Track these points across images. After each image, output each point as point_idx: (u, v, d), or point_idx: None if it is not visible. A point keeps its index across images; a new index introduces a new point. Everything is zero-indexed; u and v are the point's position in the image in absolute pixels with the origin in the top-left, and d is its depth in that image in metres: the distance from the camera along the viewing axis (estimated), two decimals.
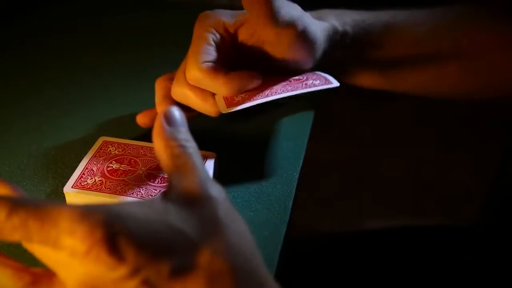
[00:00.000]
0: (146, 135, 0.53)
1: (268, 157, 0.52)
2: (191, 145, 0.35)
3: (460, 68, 0.56)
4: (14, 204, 0.29)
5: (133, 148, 0.48)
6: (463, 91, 0.59)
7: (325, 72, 0.51)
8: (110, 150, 0.48)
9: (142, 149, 0.48)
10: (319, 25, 0.49)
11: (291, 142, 0.53)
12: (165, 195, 0.33)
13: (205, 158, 0.47)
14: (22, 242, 0.30)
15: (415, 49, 0.55)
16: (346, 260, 0.68)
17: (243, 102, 0.46)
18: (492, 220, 0.70)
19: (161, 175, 0.45)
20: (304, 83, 0.49)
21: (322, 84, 0.48)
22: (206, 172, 0.34)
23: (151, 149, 0.48)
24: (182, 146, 0.34)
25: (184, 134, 0.35)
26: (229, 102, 0.46)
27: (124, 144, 0.48)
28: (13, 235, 0.29)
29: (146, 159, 0.47)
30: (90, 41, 0.72)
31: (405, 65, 0.56)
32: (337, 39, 0.51)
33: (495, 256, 0.65)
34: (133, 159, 0.47)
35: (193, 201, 0.32)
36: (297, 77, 0.49)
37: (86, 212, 0.29)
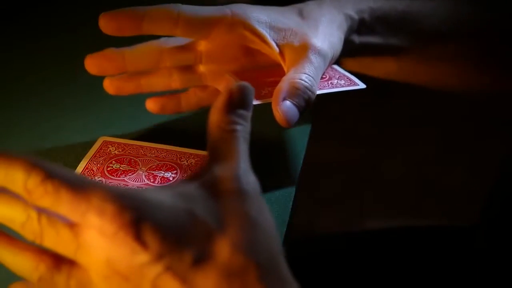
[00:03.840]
0: (146, 135, 0.53)
1: (268, 157, 0.52)
2: (244, 130, 0.34)
3: (476, 59, 0.56)
4: (51, 171, 0.30)
5: (133, 148, 0.48)
6: (478, 85, 0.58)
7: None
8: (110, 150, 0.48)
9: (142, 149, 0.48)
10: (330, 34, 0.48)
11: (291, 142, 0.53)
12: (200, 177, 0.33)
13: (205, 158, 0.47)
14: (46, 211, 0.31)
15: (430, 39, 0.54)
16: (346, 260, 0.68)
17: (269, 96, 0.45)
18: (493, 220, 0.70)
19: (161, 175, 0.45)
20: (329, 82, 0.48)
21: (348, 85, 0.48)
22: (246, 163, 0.33)
23: (151, 149, 0.48)
24: (234, 131, 0.33)
25: (241, 117, 0.34)
26: (257, 95, 0.46)
27: (124, 144, 0.48)
28: (42, 201, 0.30)
29: (146, 159, 0.47)
30: (90, 41, 0.72)
31: (420, 55, 0.55)
32: (354, 27, 0.50)
33: (495, 256, 0.65)
34: (133, 159, 0.47)
35: (225, 192, 0.32)
36: None
37: (118, 194, 0.29)
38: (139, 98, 0.58)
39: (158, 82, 0.51)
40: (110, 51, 0.49)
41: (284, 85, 0.44)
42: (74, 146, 0.52)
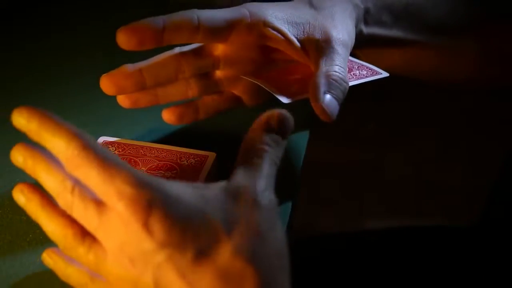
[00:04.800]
0: (146, 135, 0.53)
1: None
2: (273, 153, 0.36)
3: (479, 53, 0.56)
4: (88, 145, 0.32)
5: (133, 148, 0.48)
6: (481, 79, 0.58)
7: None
8: (110, 150, 0.48)
9: (142, 149, 0.48)
10: (345, 24, 0.48)
11: (291, 142, 0.53)
12: (225, 182, 0.34)
13: (205, 157, 0.47)
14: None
15: (434, 31, 0.54)
16: (347, 260, 0.68)
17: (300, 93, 0.45)
18: (493, 220, 0.70)
19: (161, 175, 0.45)
20: (352, 73, 0.48)
21: (371, 75, 0.48)
22: (267, 181, 0.35)
23: (151, 149, 0.48)
24: (264, 150, 0.35)
25: (274, 141, 0.36)
26: (286, 93, 0.46)
27: (124, 144, 0.48)
28: (76, 172, 0.32)
29: (146, 159, 0.47)
30: (90, 41, 0.72)
31: (424, 48, 0.55)
32: (360, 17, 0.50)
33: (496, 257, 0.65)
34: (133, 159, 0.47)
35: (242, 201, 0.33)
36: None
37: (139, 180, 0.31)
38: None
39: (175, 91, 0.49)
40: (126, 68, 0.47)
41: (320, 79, 0.43)
42: None
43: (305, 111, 0.58)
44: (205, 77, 0.50)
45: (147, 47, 0.43)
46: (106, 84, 0.46)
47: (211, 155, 0.47)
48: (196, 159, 0.47)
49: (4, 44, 0.72)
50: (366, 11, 0.51)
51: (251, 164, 0.35)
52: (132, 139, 0.49)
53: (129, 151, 0.48)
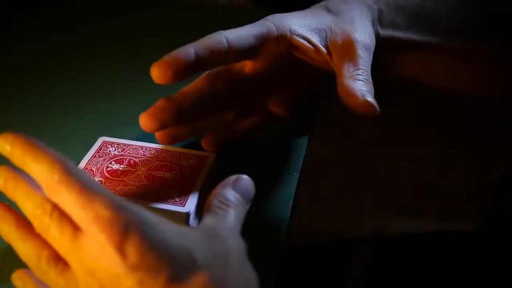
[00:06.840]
0: (146, 135, 0.53)
1: (268, 157, 0.52)
2: (236, 208, 0.37)
3: (493, 58, 0.55)
4: (68, 171, 0.32)
5: (133, 148, 0.48)
6: (493, 83, 0.58)
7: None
8: (110, 151, 0.48)
9: (142, 149, 0.48)
10: (365, 26, 0.48)
11: (291, 142, 0.53)
12: (199, 225, 0.35)
13: (205, 158, 0.47)
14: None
15: (449, 34, 0.53)
16: (346, 261, 0.68)
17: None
18: (494, 221, 0.70)
19: (160, 175, 0.45)
20: None
21: None
22: (238, 224, 0.36)
23: (151, 149, 0.48)
24: (228, 206, 0.36)
25: (239, 201, 0.37)
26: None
27: (124, 144, 0.48)
28: (55, 197, 0.32)
29: (146, 160, 0.47)
30: (90, 41, 0.72)
31: (439, 51, 0.54)
32: (375, 18, 0.50)
33: (497, 259, 0.65)
34: (132, 159, 0.47)
35: (216, 237, 0.34)
36: None
37: (118, 204, 0.31)
38: (139, 98, 0.59)
39: (211, 119, 0.48)
40: (164, 102, 0.44)
41: (347, 82, 0.44)
42: (74, 146, 0.52)
43: (305, 110, 0.58)
44: (238, 99, 0.48)
45: (183, 78, 0.42)
46: (147, 122, 0.44)
47: (211, 155, 0.47)
48: (196, 160, 0.47)
49: (4, 44, 0.72)
50: (380, 12, 0.50)
51: (219, 214, 0.36)
52: (132, 139, 0.49)
53: (129, 151, 0.48)
